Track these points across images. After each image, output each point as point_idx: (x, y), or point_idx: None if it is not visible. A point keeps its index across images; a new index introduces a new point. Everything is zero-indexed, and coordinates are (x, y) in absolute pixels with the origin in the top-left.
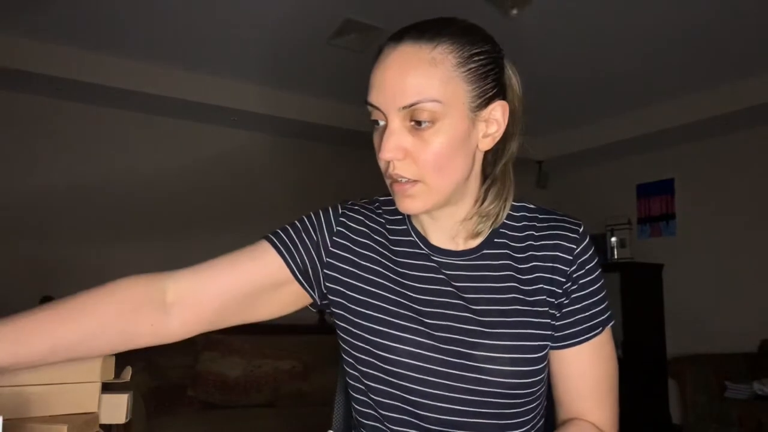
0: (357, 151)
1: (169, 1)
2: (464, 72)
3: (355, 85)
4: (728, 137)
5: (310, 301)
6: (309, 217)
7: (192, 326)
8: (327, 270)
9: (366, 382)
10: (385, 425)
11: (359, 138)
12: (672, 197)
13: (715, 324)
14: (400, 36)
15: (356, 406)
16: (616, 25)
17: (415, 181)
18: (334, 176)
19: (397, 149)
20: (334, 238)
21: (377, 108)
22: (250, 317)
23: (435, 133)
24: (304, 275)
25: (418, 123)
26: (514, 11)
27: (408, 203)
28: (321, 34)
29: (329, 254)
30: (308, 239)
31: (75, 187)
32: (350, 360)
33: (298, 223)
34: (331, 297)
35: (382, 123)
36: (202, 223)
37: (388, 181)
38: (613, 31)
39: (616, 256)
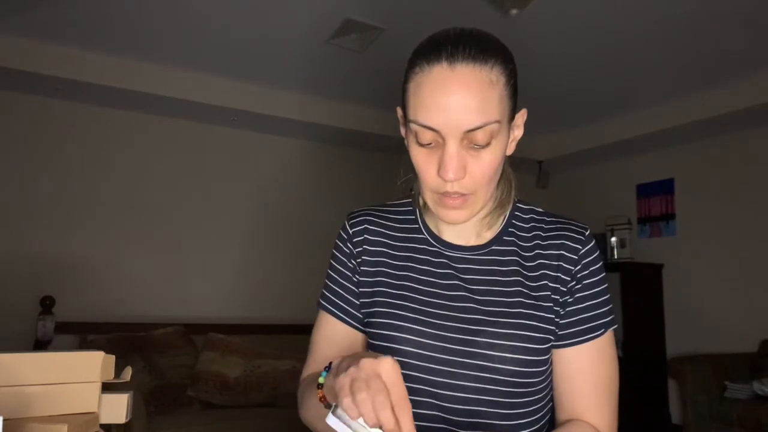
0: (357, 152)
1: (169, 2)
2: (510, 88)
3: (355, 86)
4: (728, 137)
5: None
6: (336, 255)
7: None
8: (361, 288)
9: None
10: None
11: (358, 137)
12: (672, 197)
13: (715, 324)
14: (450, 56)
15: None
16: (616, 24)
17: (467, 195)
18: (333, 175)
19: (460, 170)
20: (357, 254)
21: (435, 130)
22: None
23: (490, 150)
24: (362, 315)
25: (479, 141)
26: (514, 11)
27: (457, 215)
28: (321, 34)
29: (360, 273)
30: (349, 280)
31: (76, 187)
32: None
33: (336, 266)
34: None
35: (432, 143)
36: (203, 224)
37: (432, 195)
38: (612, 31)
39: (616, 256)
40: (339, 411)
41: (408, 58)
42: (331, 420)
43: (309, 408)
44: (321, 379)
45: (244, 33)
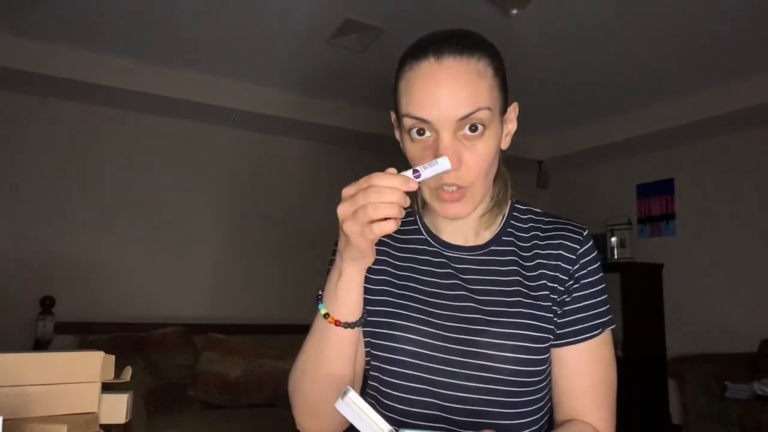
0: (357, 152)
1: (169, 2)
2: (499, 80)
3: (355, 86)
4: (728, 137)
5: None
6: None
7: None
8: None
9: (374, 374)
10: (395, 414)
11: (358, 137)
12: (672, 197)
13: (715, 324)
14: (437, 51)
15: (370, 395)
16: (616, 25)
17: (464, 188)
18: (332, 175)
19: (456, 161)
20: None
21: (428, 122)
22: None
23: (484, 140)
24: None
25: (472, 130)
26: (514, 11)
27: (457, 209)
28: (321, 34)
29: None
30: None
31: (75, 187)
32: (367, 357)
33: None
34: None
35: (426, 135)
36: (203, 224)
37: (430, 191)
38: (613, 32)
39: (616, 256)
40: (348, 398)
41: (398, 61)
42: (340, 405)
43: (303, 355)
44: (322, 310)
45: (244, 33)
